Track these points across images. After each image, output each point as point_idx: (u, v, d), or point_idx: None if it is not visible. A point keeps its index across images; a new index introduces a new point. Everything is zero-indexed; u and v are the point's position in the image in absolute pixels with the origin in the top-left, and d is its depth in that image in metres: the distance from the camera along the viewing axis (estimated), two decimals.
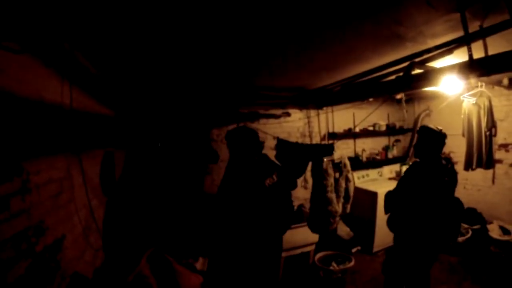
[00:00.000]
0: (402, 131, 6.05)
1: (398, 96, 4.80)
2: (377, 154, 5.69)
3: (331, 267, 4.19)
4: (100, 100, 3.08)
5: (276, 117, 4.67)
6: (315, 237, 4.22)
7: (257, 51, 2.64)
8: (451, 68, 2.46)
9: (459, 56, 2.57)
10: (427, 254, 2.96)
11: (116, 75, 3.13)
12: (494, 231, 4.61)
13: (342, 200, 3.34)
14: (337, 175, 3.37)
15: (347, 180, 3.42)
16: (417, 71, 2.84)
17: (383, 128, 5.62)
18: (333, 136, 4.99)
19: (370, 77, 3.52)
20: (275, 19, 1.99)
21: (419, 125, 5.72)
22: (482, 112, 4.33)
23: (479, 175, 4.80)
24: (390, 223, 3.12)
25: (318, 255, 4.42)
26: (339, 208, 3.27)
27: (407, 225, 2.96)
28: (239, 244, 3.06)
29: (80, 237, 2.39)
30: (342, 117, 5.25)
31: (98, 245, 2.76)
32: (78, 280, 2.18)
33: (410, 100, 5.85)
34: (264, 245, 3.05)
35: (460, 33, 2.28)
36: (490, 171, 4.84)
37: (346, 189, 3.42)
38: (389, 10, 1.96)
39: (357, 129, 5.28)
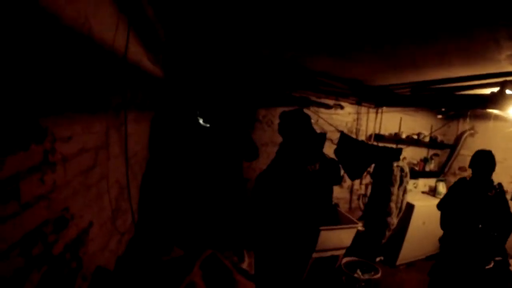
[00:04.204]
0: (442, 146, 5.82)
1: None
2: (415, 165, 5.45)
3: (356, 275, 3.99)
4: (155, 57, 2.65)
5: (328, 107, 4.35)
6: (347, 242, 3.98)
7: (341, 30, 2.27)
8: None
9: None
10: (471, 266, 3.09)
11: (175, 34, 2.79)
12: None
13: (397, 211, 3.11)
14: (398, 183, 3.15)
15: (405, 191, 3.19)
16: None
17: (426, 139, 5.38)
18: (380, 138, 4.72)
19: (445, 85, 3.25)
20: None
21: (461, 143, 5.50)
22: None
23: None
24: (442, 226, 3.23)
25: (344, 260, 4.21)
26: (395, 220, 3.05)
27: (455, 231, 3.09)
28: (279, 231, 2.88)
29: (109, 222, 1.95)
30: (389, 120, 4.97)
31: (125, 228, 2.34)
32: (102, 277, 1.77)
33: (456, 116, 5.57)
34: (301, 236, 2.90)
35: None
36: None
37: (402, 201, 3.20)
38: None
39: (403, 135, 5.01)
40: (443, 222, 3.20)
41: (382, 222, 2.98)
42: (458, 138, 5.62)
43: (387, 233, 3.02)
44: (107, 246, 1.96)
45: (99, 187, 1.71)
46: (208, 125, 3.58)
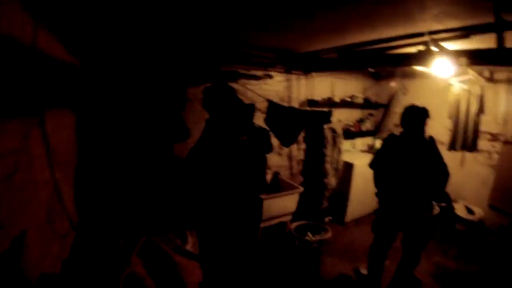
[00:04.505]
0: (376, 106, 6.08)
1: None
2: (351, 126, 5.66)
3: (307, 237, 4.14)
4: (67, 43, 2.41)
5: (258, 78, 4.35)
6: (292, 207, 4.12)
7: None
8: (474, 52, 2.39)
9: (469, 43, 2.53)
10: (410, 218, 3.12)
11: (85, 16, 2.61)
12: (459, 210, 4.89)
13: (334, 172, 3.22)
14: (331, 144, 3.24)
15: (339, 151, 3.30)
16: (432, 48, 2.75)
17: (360, 101, 5.57)
18: (313, 103, 4.82)
19: (371, 47, 3.35)
20: None
21: (393, 102, 5.80)
22: (472, 98, 4.54)
23: (448, 156, 4.90)
24: (377, 185, 3.25)
25: (294, 224, 4.34)
26: (333, 180, 3.15)
27: (389, 187, 3.14)
28: (216, 206, 2.88)
29: (44, 226, 1.86)
30: (321, 85, 5.07)
31: (65, 229, 2.24)
32: (46, 283, 1.69)
33: (387, 76, 5.84)
34: (240, 207, 2.91)
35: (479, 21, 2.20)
36: (459, 154, 5.07)
37: (337, 161, 3.31)
38: None
39: (336, 99, 5.16)
40: (377, 180, 3.27)
41: (320, 183, 3.08)
42: (391, 98, 5.91)
43: (327, 193, 3.12)
44: (48, 251, 1.88)
45: (26, 191, 1.61)
46: (136, 110, 3.46)
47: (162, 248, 2.52)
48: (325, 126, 3.06)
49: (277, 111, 3.14)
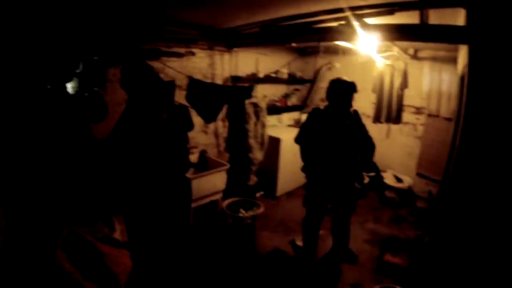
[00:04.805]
0: (302, 81, 6.19)
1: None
2: (277, 101, 5.72)
3: (240, 214, 4.17)
4: None
5: (180, 55, 4.18)
6: (222, 184, 4.11)
7: None
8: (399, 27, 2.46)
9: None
10: (338, 189, 3.17)
11: None
12: (388, 179, 5.23)
13: (259, 146, 3.24)
14: (254, 119, 3.23)
15: (263, 125, 3.31)
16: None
17: (285, 76, 5.62)
18: (237, 79, 4.78)
19: (294, 22, 3.33)
20: None
21: (319, 77, 5.97)
22: (396, 73, 4.86)
23: (375, 128, 5.16)
24: (303, 159, 3.22)
25: (226, 202, 4.34)
26: (259, 155, 3.16)
27: (315, 159, 3.13)
28: (140, 189, 2.79)
29: None
30: (246, 62, 5.04)
31: None
32: None
33: (312, 52, 5.94)
34: (165, 188, 2.87)
35: None
36: (385, 127, 5.42)
37: (262, 135, 3.32)
38: None
39: (260, 75, 5.17)
40: (303, 155, 3.25)
41: (245, 159, 3.07)
42: (317, 73, 6.05)
43: (253, 168, 3.13)
44: None
45: None
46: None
47: (87, 239, 2.38)
48: (247, 101, 3.03)
49: (198, 88, 3.06)
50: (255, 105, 3.22)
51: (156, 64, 3.82)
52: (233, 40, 4.17)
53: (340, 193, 3.22)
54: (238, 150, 3.09)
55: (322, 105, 3.11)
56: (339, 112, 3.00)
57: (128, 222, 2.91)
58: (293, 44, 4.76)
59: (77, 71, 3.33)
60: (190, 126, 2.87)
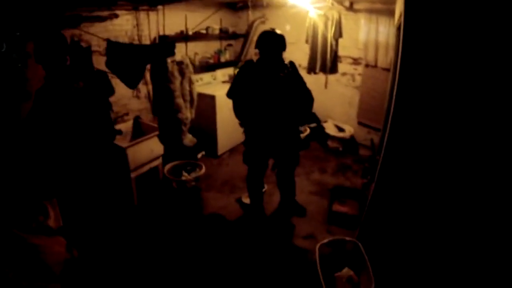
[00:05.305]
0: (235, 36, 6.01)
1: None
2: (210, 58, 5.53)
3: (183, 177, 4.12)
4: None
5: (102, 19, 3.84)
6: (160, 150, 3.99)
7: None
8: None
9: None
10: (277, 143, 3.13)
11: None
12: (330, 129, 5.33)
13: (188, 104, 3.11)
14: (179, 77, 3.06)
15: (190, 82, 3.17)
16: None
17: (216, 32, 5.41)
18: (165, 39, 4.52)
19: None
20: None
21: (252, 31, 5.81)
22: (329, 23, 4.80)
23: (312, 79, 5.20)
24: (237, 115, 3.13)
25: (167, 167, 4.25)
26: (189, 113, 3.04)
27: (250, 114, 3.05)
28: (67, 164, 2.63)
29: None
30: (174, 20, 4.73)
31: None
32: None
33: (245, 7, 5.70)
34: (94, 159, 2.74)
35: None
36: (323, 77, 5.42)
37: (190, 92, 3.19)
38: None
39: (190, 32, 4.92)
40: (236, 110, 3.14)
41: (175, 120, 2.94)
42: (250, 27, 5.86)
43: (184, 128, 3.02)
44: None
45: None
46: None
47: (15, 233, 2.22)
48: (169, 60, 2.86)
49: (117, 51, 2.83)
50: (180, 63, 3.05)
51: (74, 31, 3.50)
52: None
53: (279, 146, 3.18)
54: (166, 112, 2.94)
55: (255, 58, 2.98)
56: (272, 64, 2.89)
57: (62, 204, 2.74)
58: None
59: (2, 50, 3.00)
60: (111, 91, 2.69)
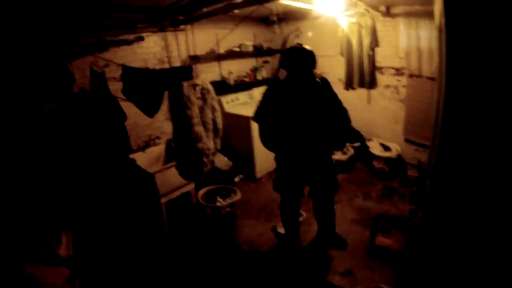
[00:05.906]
0: (270, 52, 5.81)
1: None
2: (245, 76, 5.39)
3: (218, 203, 3.97)
4: None
5: (128, 43, 3.83)
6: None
7: None
8: None
9: None
10: (308, 166, 2.83)
11: None
12: (375, 148, 4.87)
13: (212, 134, 2.92)
14: (200, 103, 2.88)
15: (213, 109, 2.97)
16: None
17: (250, 48, 5.25)
18: (195, 59, 4.46)
19: None
20: None
21: (287, 45, 5.55)
22: (364, 31, 4.29)
23: (354, 94, 4.85)
24: (264, 141, 2.85)
25: (201, 192, 4.13)
26: (211, 144, 2.84)
27: (278, 140, 2.78)
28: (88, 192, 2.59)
29: None
30: (204, 39, 4.66)
31: None
32: None
33: (278, 20, 5.52)
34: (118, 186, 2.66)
35: None
36: (365, 92, 4.95)
37: (214, 121, 2.99)
38: None
39: (221, 50, 4.80)
40: (263, 136, 2.83)
41: (194, 150, 2.74)
42: (285, 41, 5.65)
43: (206, 160, 2.81)
44: None
45: None
46: None
47: (15, 261, 2.18)
48: (186, 84, 2.68)
49: (133, 76, 2.73)
50: (199, 87, 2.86)
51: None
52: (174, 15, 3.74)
53: (313, 173, 2.88)
54: (184, 141, 2.77)
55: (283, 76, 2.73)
56: (301, 83, 2.61)
57: (76, 233, 2.68)
58: (236, 11, 4.16)
59: None
60: (123, 117, 2.61)
